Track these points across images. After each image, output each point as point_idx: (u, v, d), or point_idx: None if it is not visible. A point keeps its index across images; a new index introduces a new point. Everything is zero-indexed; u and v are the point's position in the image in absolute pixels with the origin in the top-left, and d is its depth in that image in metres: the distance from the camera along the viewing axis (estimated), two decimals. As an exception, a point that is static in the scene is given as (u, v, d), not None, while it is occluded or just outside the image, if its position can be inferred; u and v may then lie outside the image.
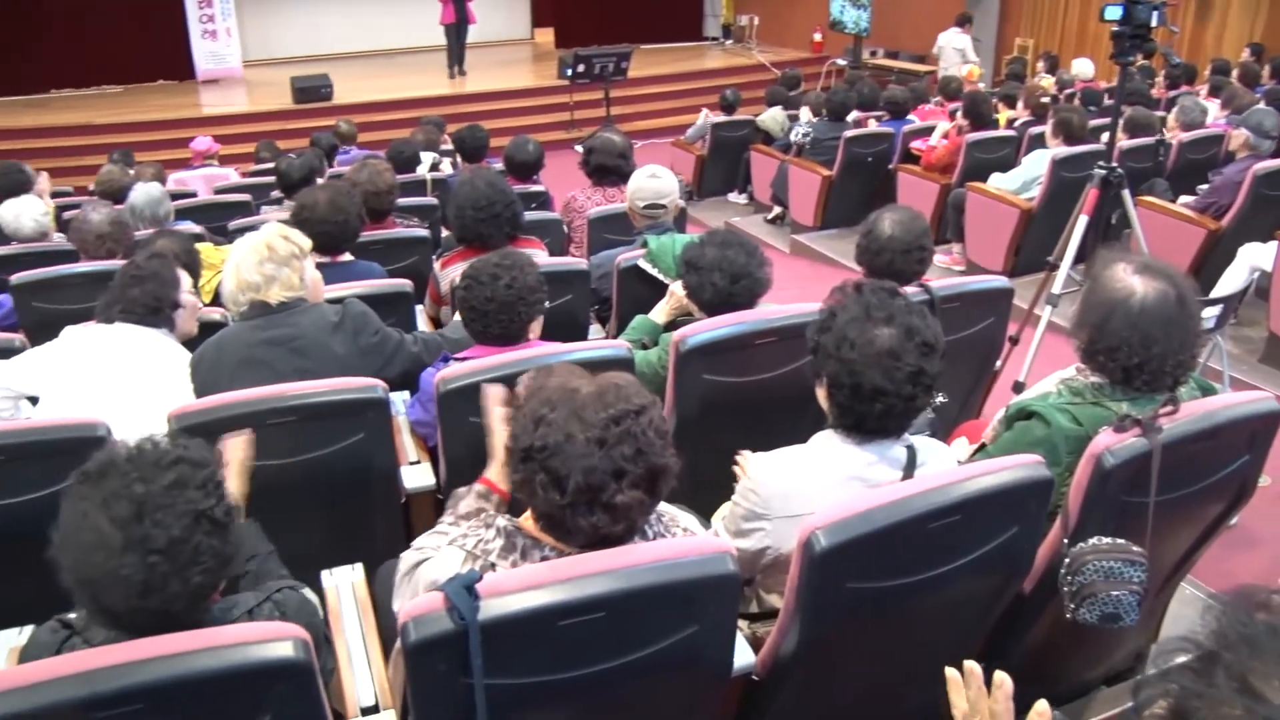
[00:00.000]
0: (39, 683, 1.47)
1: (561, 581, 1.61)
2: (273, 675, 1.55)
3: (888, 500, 1.89)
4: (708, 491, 2.49)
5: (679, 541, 1.82)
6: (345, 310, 2.95)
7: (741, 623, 2.18)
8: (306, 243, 2.98)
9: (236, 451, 2.23)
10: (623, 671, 1.72)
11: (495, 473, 2.10)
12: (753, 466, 2.21)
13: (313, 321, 2.88)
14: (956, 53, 12.52)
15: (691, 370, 2.85)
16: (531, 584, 1.61)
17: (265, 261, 2.84)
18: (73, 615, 1.72)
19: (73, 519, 1.52)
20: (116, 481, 1.52)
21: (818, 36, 15.38)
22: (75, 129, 12.50)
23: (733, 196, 9.63)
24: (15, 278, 4.21)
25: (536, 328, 2.94)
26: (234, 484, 2.15)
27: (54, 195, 7.00)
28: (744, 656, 2.01)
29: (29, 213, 4.96)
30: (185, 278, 3.13)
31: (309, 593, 1.92)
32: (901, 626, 2.12)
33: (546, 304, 2.94)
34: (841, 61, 14.30)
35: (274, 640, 1.55)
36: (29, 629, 2.22)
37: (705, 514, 2.41)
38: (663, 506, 1.88)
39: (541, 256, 3.95)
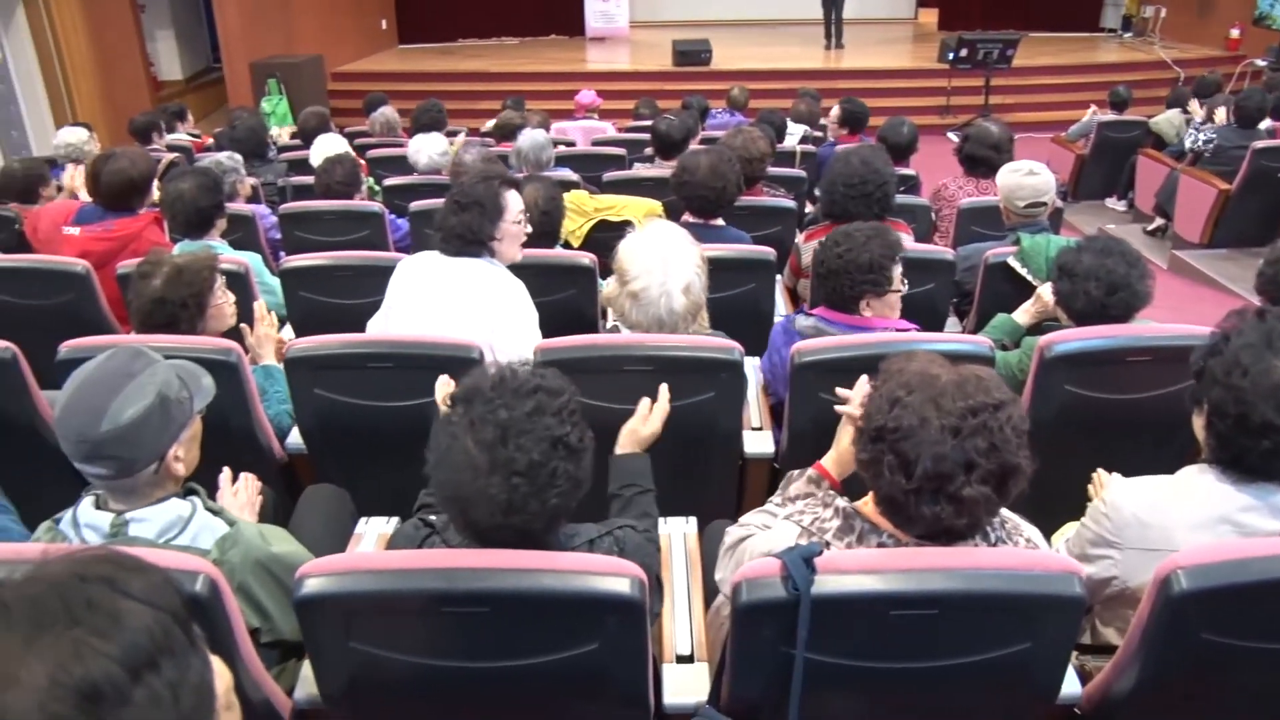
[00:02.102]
0: (408, 569, 1.65)
1: (900, 570, 1.59)
2: (608, 607, 1.63)
3: (1269, 552, 1.72)
4: (1048, 506, 2.36)
5: (1026, 553, 1.74)
6: None
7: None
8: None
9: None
10: (944, 674, 1.67)
11: (831, 460, 2.10)
12: (1111, 490, 2.07)
13: None
14: None
15: (1054, 378, 2.71)
16: (869, 567, 1.60)
17: (704, 288, 2.73)
18: (433, 516, 1.90)
19: (444, 440, 1.64)
20: (482, 407, 1.63)
21: (1235, 33, 13.95)
22: (475, 75, 13.54)
23: (1110, 202, 9.00)
24: (413, 205, 4.65)
25: (881, 307, 2.90)
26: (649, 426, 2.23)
27: (449, 134, 7.60)
28: (1070, 686, 1.90)
29: (429, 149, 5.49)
30: (512, 207, 3.14)
31: (655, 536, 2.00)
32: (1259, 695, 1.92)
33: (892, 287, 2.89)
34: (1261, 62, 12.85)
35: (615, 575, 1.62)
36: (395, 520, 2.47)
37: (1041, 529, 2.29)
38: (1005, 512, 1.81)
39: (907, 241, 3.87)
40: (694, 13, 16.26)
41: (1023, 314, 3.31)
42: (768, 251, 3.66)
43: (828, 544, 1.74)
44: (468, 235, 3.05)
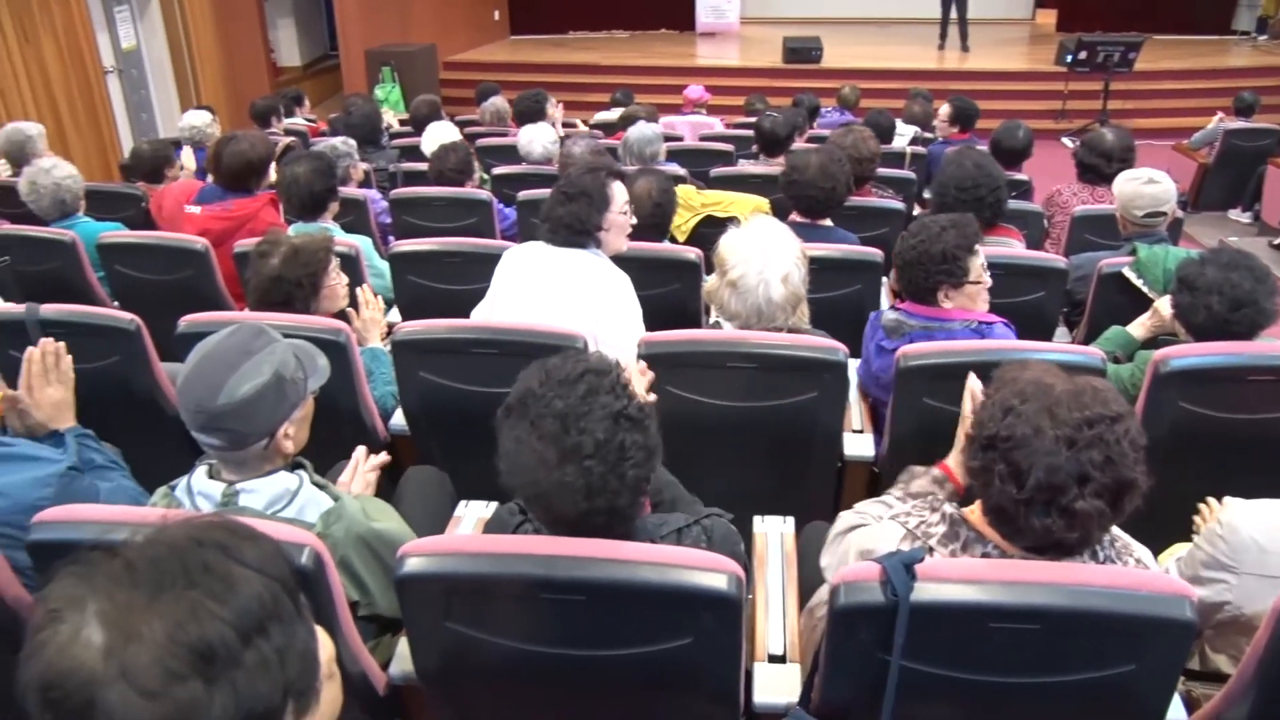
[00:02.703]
0: (509, 554, 1.67)
1: (1003, 582, 1.56)
2: (704, 602, 1.63)
3: (1398, 585, 1.64)
4: (1156, 526, 2.28)
5: (1135, 572, 1.69)
6: None
7: (1177, 676, 2.00)
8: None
9: None
10: (1043, 691, 1.63)
11: (954, 460, 2.06)
12: (1229, 512, 2.00)
13: None
14: None
15: (1168, 394, 2.63)
16: (972, 577, 1.57)
17: (807, 274, 2.72)
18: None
19: (510, 445, 1.67)
20: (537, 405, 1.65)
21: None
22: (585, 67, 13.63)
23: (1234, 213, 8.67)
24: (521, 194, 4.71)
25: (960, 298, 2.85)
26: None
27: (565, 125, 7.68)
28: (1176, 713, 1.84)
29: (541, 139, 5.56)
30: (618, 198, 3.17)
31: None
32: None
33: (969, 278, 2.83)
34: None
35: (712, 571, 1.62)
36: (493, 505, 2.50)
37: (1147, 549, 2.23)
38: (1116, 531, 1.76)
39: (1018, 247, 3.80)
40: (806, 10, 16.11)
41: (1138, 327, 3.22)
42: (875, 253, 3.62)
43: (931, 550, 1.71)
44: (575, 226, 3.08)
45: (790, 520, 2.50)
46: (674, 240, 4.33)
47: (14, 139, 5.63)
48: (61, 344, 2.40)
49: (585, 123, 8.45)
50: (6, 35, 8.40)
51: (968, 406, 2.05)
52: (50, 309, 3.00)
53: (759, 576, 2.27)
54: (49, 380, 2.35)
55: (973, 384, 2.08)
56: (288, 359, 1.92)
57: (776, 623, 2.16)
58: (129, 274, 4.09)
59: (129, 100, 10.43)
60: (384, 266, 4.08)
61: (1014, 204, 4.38)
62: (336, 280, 3.09)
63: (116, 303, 4.15)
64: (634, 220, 3.27)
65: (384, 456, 2.36)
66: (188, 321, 2.88)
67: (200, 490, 1.93)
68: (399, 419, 3.02)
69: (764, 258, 2.66)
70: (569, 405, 1.64)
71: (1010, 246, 3.83)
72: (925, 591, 1.55)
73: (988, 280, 2.89)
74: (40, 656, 0.93)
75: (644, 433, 1.69)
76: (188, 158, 5.88)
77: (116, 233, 4.27)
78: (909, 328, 2.87)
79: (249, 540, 1.04)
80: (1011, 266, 3.37)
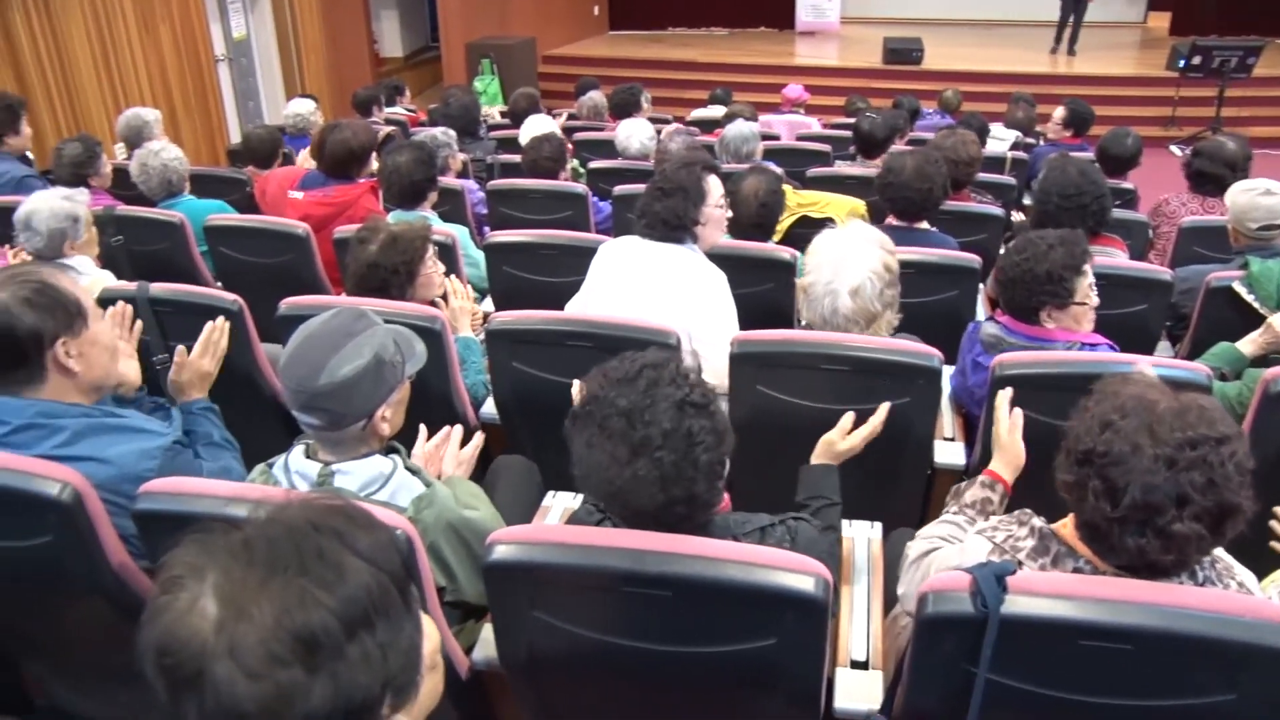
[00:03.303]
0: (597, 546, 1.67)
1: (1096, 599, 1.52)
2: (789, 604, 1.62)
3: None
4: (1260, 551, 2.22)
5: (1237, 597, 1.64)
6: None
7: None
8: (895, 264, 2.76)
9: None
10: (1132, 714, 1.59)
11: (1000, 463, 2.09)
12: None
13: None
14: None
15: (1278, 417, 2.54)
16: (1064, 592, 1.54)
17: (886, 288, 2.65)
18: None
19: (582, 450, 1.70)
20: (602, 407, 1.68)
21: None
22: (682, 64, 13.63)
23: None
24: (618, 189, 4.73)
25: (1064, 319, 2.77)
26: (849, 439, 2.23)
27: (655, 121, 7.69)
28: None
29: (638, 134, 5.58)
30: (714, 192, 3.16)
31: (834, 546, 1.99)
32: None
33: (1074, 299, 2.75)
34: None
35: (800, 573, 1.61)
36: (580, 497, 2.51)
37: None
38: (1218, 552, 1.71)
39: (1121, 258, 3.70)
40: (908, 10, 15.89)
41: (1248, 344, 3.11)
42: (972, 259, 3.56)
43: (1020, 564, 1.68)
44: (672, 221, 3.08)
45: (878, 526, 2.48)
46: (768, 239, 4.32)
47: (133, 124, 5.85)
48: (227, 326, 2.58)
49: (682, 119, 8.44)
50: (129, 25, 8.71)
51: (1001, 411, 2.08)
52: (159, 287, 3.10)
53: (844, 581, 2.26)
54: (207, 353, 2.53)
55: (1005, 394, 2.09)
56: (387, 343, 1.96)
57: (860, 628, 2.15)
58: (232, 255, 4.21)
59: (237, 88, 10.72)
60: (479, 256, 4.13)
61: (1118, 213, 4.27)
62: (432, 268, 3.14)
63: (219, 283, 4.27)
64: (729, 214, 3.26)
65: (480, 438, 2.39)
66: (288, 304, 2.95)
67: (297, 469, 1.98)
68: (489, 407, 3.06)
69: (835, 268, 2.63)
70: (632, 401, 1.66)
71: (1113, 256, 3.74)
72: (1016, 604, 1.52)
73: (1094, 300, 2.79)
74: (159, 621, 0.96)
75: (710, 417, 1.70)
76: (305, 158, 6.03)
77: (223, 215, 4.40)
78: (1008, 345, 2.79)
79: (365, 529, 1.05)
80: (1113, 277, 3.28)
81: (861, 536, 2.43)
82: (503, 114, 9.08)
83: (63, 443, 2.11)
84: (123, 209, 4.52)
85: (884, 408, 2.24)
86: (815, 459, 2.22)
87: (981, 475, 2.07)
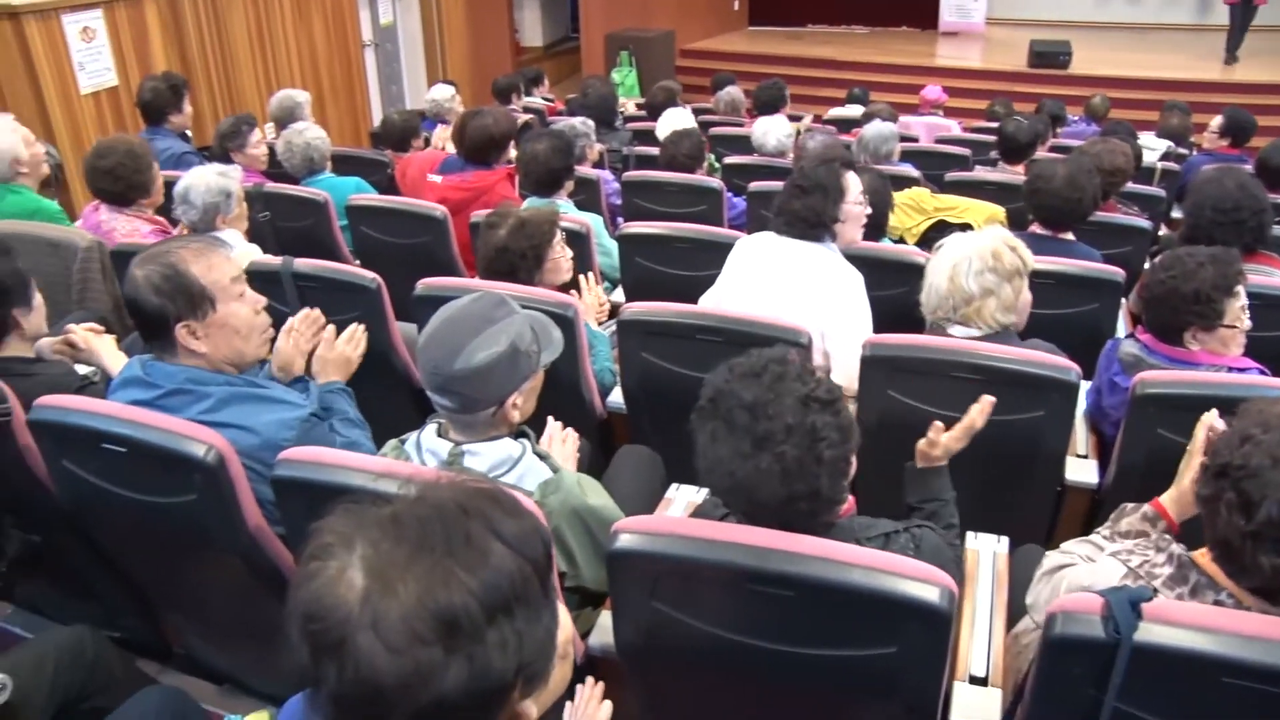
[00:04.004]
0: (723, 541, 1.67)
1: (1245, 636, 1.45)
2: (913, 613, 1.59)
3: None
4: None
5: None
6: None
7: None
8: (1031, 259, 2.77)
9: None
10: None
11: (1170, 498, 1.93)
12: None
13: None
14: None
15: None
16: (1207, 624, 1.47)
17: (987, 271, 2.66)
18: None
19: (706, 442, 1.70)
20: (727, 400, 1.67)
21: None
22: (821, 62, 13.47)
23: None
24: (753, 186, 4.71)
25: (1211, 341, 2.65)
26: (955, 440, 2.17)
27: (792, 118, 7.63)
28: None
29: (776, 131, 5.55)
30: (853, 188, 3.12)
31: (957, 546, 1.95)
32: None
33: (1224, 321, 2.63)
34: None
35: (925, 581, 1.58)
36: (704, 491, 2.52)
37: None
38: None
39: (1277, 277, 3.53)
40: (1057, 12, 15.39)
41: None
42: (1115, 272, 3.43)
43: (1156, 591, 1.62)
44: (810, 218, 3.06)
45: (1004, 540, 2.42)
46: (902, 242, 4.25)
47: (285, 105, 6.08)
48: (321, 318, 2.64)
49: (819, 118, 8.37)
50: (284, 11, 9.04)
51: (1199, 438, 1.92)
52: (303, 263, 3.22)
53: (968, 594, 2.21)
54: (303, 335, 2.58)
55: (1210, 418, 1.95)
56: (524, 331, 1.99)
57: (981, 643, 2.10)
58: (372, 235, 4.33)
59: (381, 73, 11.02)
60: (612, 246, 4.17)
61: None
62: (560, 254, 3.18)
63: (358, 261, 4.39)
64: (869, 210, 3.22)
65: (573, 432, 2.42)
66: (425, 285, 3.02)
67: (429, 447, 2.02)
68: (616, 397, 3.09)
69: (939, 253, 2.69)
70: (757, 395, 1.66)
71: (1270, 276, 3.56)
72: (1151, 633, 1.47)
73: (1246, 324, 2.66)
74: (308, 586, 0.99)
75: (835, 414, 1.68)
76: (439, 136, 6.18)
77: (364, 195, 4.53)
78: (1147, 366, 2.68)
79: (511, 515, 1.06)
80: (1270, 298, 3.13)
81: (987, 550, 2.38)
82: (638, 106, 9.13)
83: (209, 408, 2.20)
84: (271, 186, 4.69)
85: (986, 400, 2.16)
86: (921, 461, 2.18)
87: (1146, 506, 1.95)
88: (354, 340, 2.66)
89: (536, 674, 1.06)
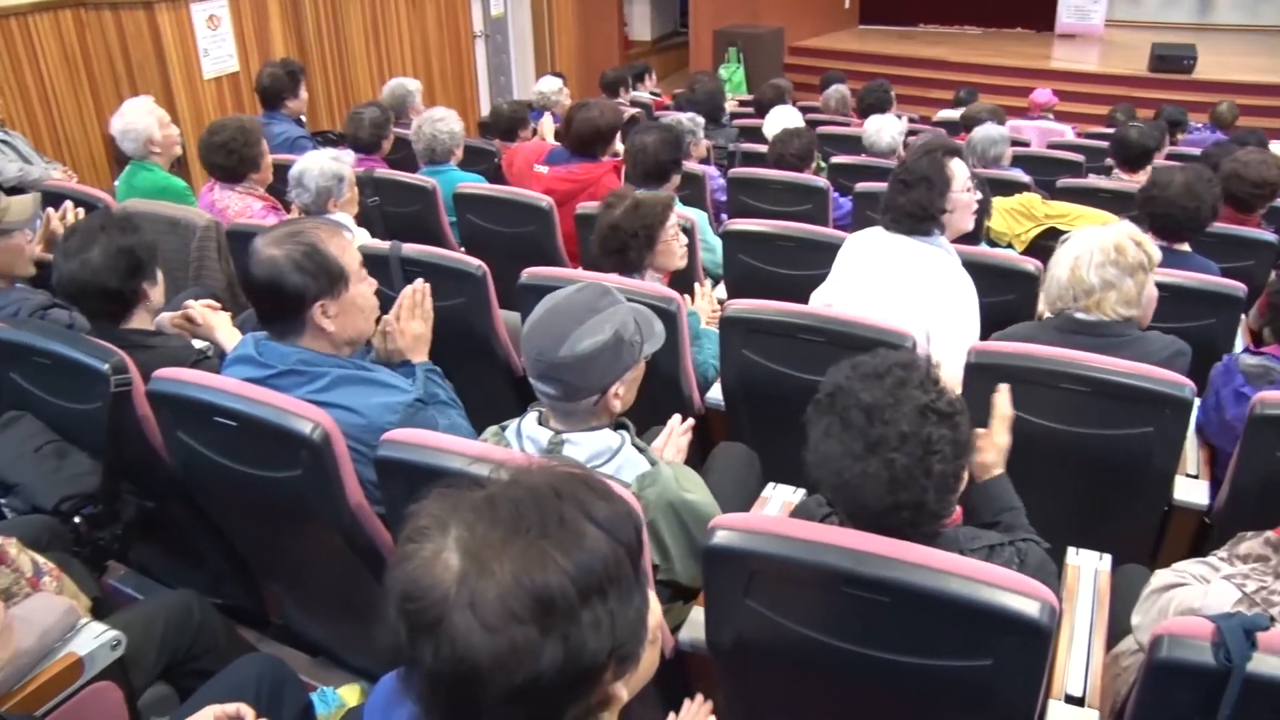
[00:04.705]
0: (819, 542, 1.66)
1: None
2: (1012, 626, 1.56)
3: None
4: None
5: None
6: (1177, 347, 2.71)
7: None
8: (1156, 254, 2.72)
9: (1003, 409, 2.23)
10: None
11: None
12: None
13: (1135, 355, 2.59)
14: None
15: None
16: (1327, 659, 1.42)
17: (1109, 264, 2.63)
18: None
19: (818, 438, 1.68)
20: (845, 398, 1.66)
21: None
22: (931, 62, 13.24)
23: None
24: (860, 186, 4.66)
25: None
26: (998, 437, 2.18)
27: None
28: None
29: (889, 129, 5.53)
30: (958, 175, 3.05)
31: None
32: None
33: None
34: None
35: (1025, 595, 1.55)
36: (800, 492, 2.50)
37: None
38: None
39: None
40: (1182, 14, 14.89)
41: None
42: (1237, 286, 3.31)
43: (1273, 619, 1.57)
44: (918, 213, 3.00)
45: (1107, 558, 2.35)
46: (1011, 248, 4.17)
47: (397, 93, 6.24)
48: (428, 286, 2.62)
49: (927, 119, 8.24)
50: (399, 1, 9.21)
51: None
52: (411, 248, 3.28)
53: (1067, 610, 2.16)
54: (415, 315, 2.57)
55: None
56: (628, 321, 2.00)
57: (1079, 662, 2.05)
58: (478, 223, 4.39)
59: (490, 63, 11.16)
60: (716, 242, 4.17)
61: None
62: (673, 238, 3.20)
63: (463, 248, 4.46)
64: (979, 196, 3.14)
65: (691, 421, 2.42)
66: (530, 274, 3.06)
67: (529, 435, 2.05)
68: (714, 394, 3.08)
69: (1063, 245, 2.71)
70: (876, 398, 1.64)
71: None
72: (1266, 664, 1.42)
73: None
74: (405, 567, 1.01)
75: (954, 428, 1.66)
76: (547, 125, 6.25)
77: (472, 184, 4.60)
78: (1278, 376, 2.60)
79: (604, 499, 1.07)
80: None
81: (1089, 566, 2.32)
82: (740, 103, 9.10)
83: (319, 389, 2.26)
84: (381, 171, 4.79)
85: (1004, 389, 2.19)
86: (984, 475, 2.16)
87: (1270, 533, 1.88)
88: (414, 310, 2.55)
89: (628, 655, 1.07)
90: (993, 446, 2.15)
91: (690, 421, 2.38)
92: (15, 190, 3.40)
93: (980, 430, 2.11)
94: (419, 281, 2.61)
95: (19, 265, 3.09)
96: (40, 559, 2.10)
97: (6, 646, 1.45)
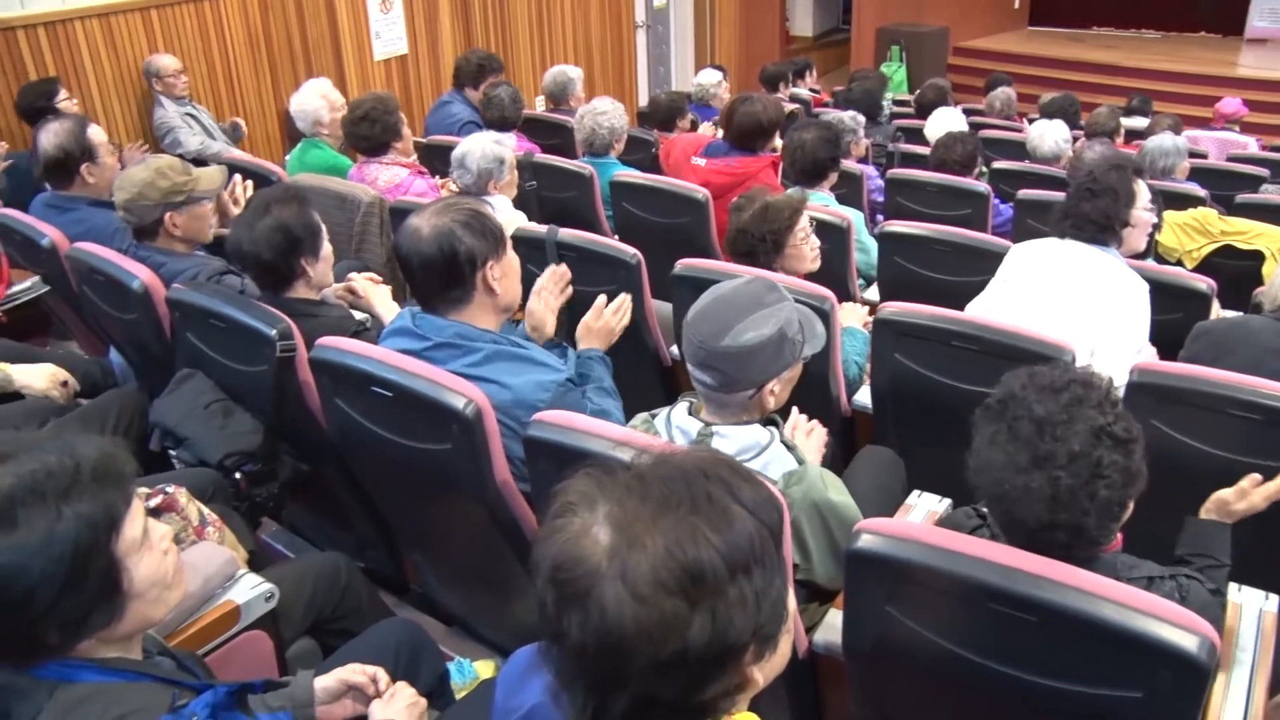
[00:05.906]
0: (967, 554, 1.62)
1: None
2: (1167, 659, 1.49)
3: None
4: None
5: None
6: None
7: None
8: None
9: None
10: None
11: None
12: None
13: None
14: None
15: None
16: None
17: None
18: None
19: (983, 444, 1.65)
20: (1017, 407, 1.62)
21: None
22: (1102, 67, 12.72)
23: None
24: (1022, 193, 4.54)
25: None
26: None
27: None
28: None
29: (1053, 134, 5.37)
30: (1142, 194, 3.06)
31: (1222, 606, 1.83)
32: None
33: None
34: None
35: (1184, 629, 1.49)
36: (946, 502, 2.45)
37: None
38: None
39: None
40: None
41: None
42: None
43: None
44: (1101, 221, 2.99)
45: (1274, 598, 2.23)
46: (1181, 265, 4.00)
47: (558, 80, 6.34)
48: (568, 273, 2.71)
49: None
50: (564, -10, 9.38)
51: None
52: (567, 233, 3.33)
53: (1225, 648, 2.06)
54: (551, 294, 2.65)
55: None
56: (792, 319, 2.00)
57: (1237, 705, 1.95)
58: (633, 212, 4.43)
59: (650, 54, 11.21)
60: (871, 244, 4.11)
61: None
62: (802, 241, 3.17)
63: (617, 236, 4.51)
64: (1155, 219, 3.09)
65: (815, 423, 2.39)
66: (684, 265, 3.07)
67: (679, 424, 2.06)
68: (861, 397, 3.05)
69: None
70: (1049, 412, 1.61)
71: None
72: None
73: None
74: (554, 540, 1.04)
75: (1127, 455, 1.61)
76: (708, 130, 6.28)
77: (629, 173, 4.64)
78: None
79: (749, 482, 1.10)
80: None
81: (1252, 605, 2.19)
82: (896, 102, 8.94)
83: (474, 363, 2.33)
84: (540, 156, 4.87)
85: None
86: (1205, 514, 2.06)
87: None
88: (620, 311, 2.70)
89: (769, 636, 1.08)
90: (1256, 497, 2.06)
91: (815, 423, 2.36)
92: (198, 162, 3.60)
93: (1257, 475, 2.04)
94: (562, 267, 2.71)
95: (202, 233, 3.28)
96: (205, 510, 2.23)
97: (179, 587, 1.56)
